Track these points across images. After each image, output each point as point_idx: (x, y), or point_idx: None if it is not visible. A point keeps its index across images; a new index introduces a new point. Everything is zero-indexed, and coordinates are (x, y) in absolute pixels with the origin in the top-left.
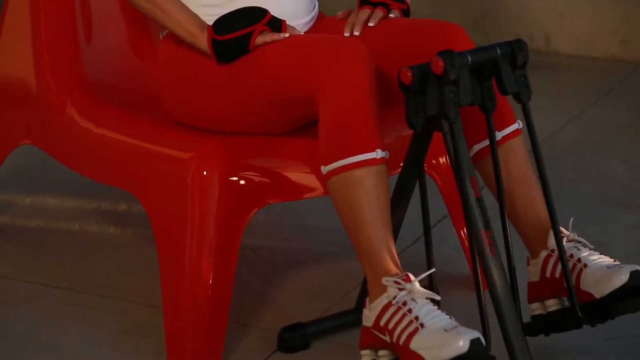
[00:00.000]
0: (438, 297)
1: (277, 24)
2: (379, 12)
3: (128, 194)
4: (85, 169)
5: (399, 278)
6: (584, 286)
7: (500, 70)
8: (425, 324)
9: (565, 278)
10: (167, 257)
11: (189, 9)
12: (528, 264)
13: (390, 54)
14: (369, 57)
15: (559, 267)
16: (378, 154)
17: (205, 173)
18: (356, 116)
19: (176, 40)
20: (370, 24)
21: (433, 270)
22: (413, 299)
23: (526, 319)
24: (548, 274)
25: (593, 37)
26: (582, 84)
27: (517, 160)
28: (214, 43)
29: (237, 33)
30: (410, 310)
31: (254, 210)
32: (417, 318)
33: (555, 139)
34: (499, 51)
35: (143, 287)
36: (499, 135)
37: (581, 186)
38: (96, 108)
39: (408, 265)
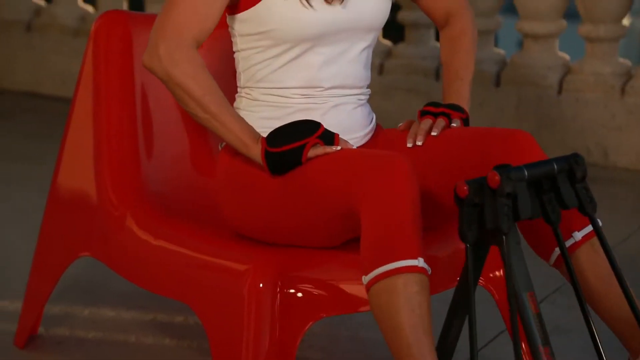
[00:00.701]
0: None
1: (329, 137)
2: (441, 122)
3: (184, 306)
4: (142, 280)
5: None
6: None
7: (559, 185)
8: None
9: None
10: None
11: (245, 121)
12: None
13: (455, 162)
14: (411, 170)
15: None
16: (420, 262)
17: (261, 285)
18: (397, 225)
19: (234, 152)
20: (433, 133)
21: None
22: None
23: None
24: None
25: None
26: None
27: (602, 257)
28: (267, 155)
29: (290, 145)
30: None
31: (310, 323)
32: None
33: (615, 253)
34: (556, 166)
35: None
36: (579, 235)
37: None
38: (155, 220)
39: None
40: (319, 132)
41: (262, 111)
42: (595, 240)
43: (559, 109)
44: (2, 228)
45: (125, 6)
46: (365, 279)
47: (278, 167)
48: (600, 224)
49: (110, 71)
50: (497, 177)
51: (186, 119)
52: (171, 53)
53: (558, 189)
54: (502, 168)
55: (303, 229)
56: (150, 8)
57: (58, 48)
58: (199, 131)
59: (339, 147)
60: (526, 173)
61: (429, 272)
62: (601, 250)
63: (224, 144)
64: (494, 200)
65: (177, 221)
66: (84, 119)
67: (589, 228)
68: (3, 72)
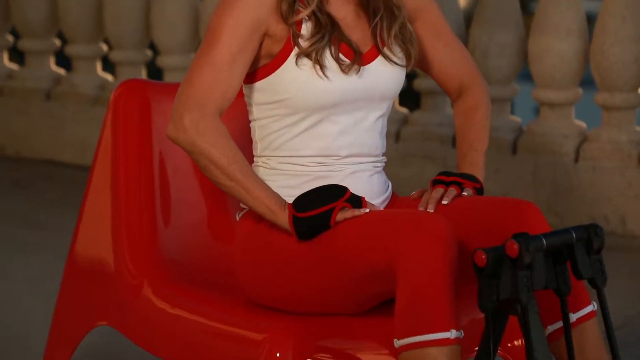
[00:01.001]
0: None
1: (357, 201)
2: (453, 191)
3: None
4: (159, 349)
5: None
6: None
7: (576, 255)
8: None
9: None
10: None
11: (270, 188)
12: None
13: (464, 232)
14: (451, 233)
15: None
16: (452, 334)
17: (278, 355)
18: (433, 293)
19: (254, 219)
20: (444, 202)
21: None
22: None
23: None
24: None
25: None
26: None
27: (591, 343)
28: (295, 220)
29: (318, 210)
30: None
31: None
32: None
33: (634, 323)
34: (574, 235)
35: None
36: (573, 317)
37: None
38: (172, 289)
39: None
40: (347, 195)
41: (280, 180)
42: (588, 323)
43: (576, 176)
44: (19, 295)
45: (144, 75)
46: (398, 342)
47: (306, 232)
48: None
49: (129, 139)
50: (516, 246)
51: (203, 187)
52: (196, 123)
53: (574, 258)
54: (520, 237)
55: (329, 295)
56: (169, 77)
57: (77, 116)
58: (216, 199)
59: (367, 210)
60: (545, 242)
61: (462, 337)
62: (593, 335)
63: (242, 212)
64: (512, 271)
65: (194, 289)
66: (103, 187)
67: (585, 311)
68: (23, 140)
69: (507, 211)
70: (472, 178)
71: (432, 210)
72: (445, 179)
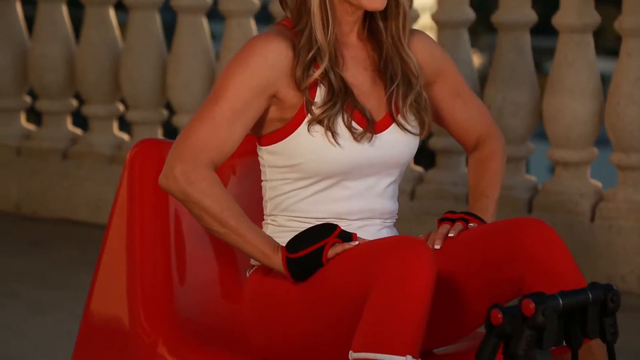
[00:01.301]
0: None
1: (347, 236)
2: (459, 225)
3: None
4: None
5: None
6: None
7: (587, 314)
8: None
9: None
10: None
11: (264, 232)
12: None
13: (475, 259)
14: (431, 257)
15: None
16: (407, 359)
17: None
18: (400, 313)
19: (262, 274)
20: (450, 235)
21: None
22: None
23: None
24: None
25: None
26: None
27: None
28: (288, 262)
29: (309, 249)
30: None
31: None
32: None
33: None
34: (590, 296)
35: None
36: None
37: None
38: (187, 347)
39: None
40: (337, 232)
41: (288, 237)
42: (593, 343)
43: (592, 236)
44: (35, 353)
45: (160, 134)
46: (352, 355)
47: (300, 272)
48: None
49: (145, 198)
50: (532, 306)
51: (215, 244)
52: (187, 173)
53: (585, 318)
54: (537, 296)
55: (330, 335)
56: None
57: (93, 175)
58: (227, 257)
59: (357, 242)
60: (561, 303)
61: None
62: (600, 357)
63: (252, 270)
64: (522, 328)
65: (208, 349)
66: (118, 245)
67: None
68: (39, 199)
69: (516, 233)
70: (478, 217)
71: (438, 247)
72: (452, 217)
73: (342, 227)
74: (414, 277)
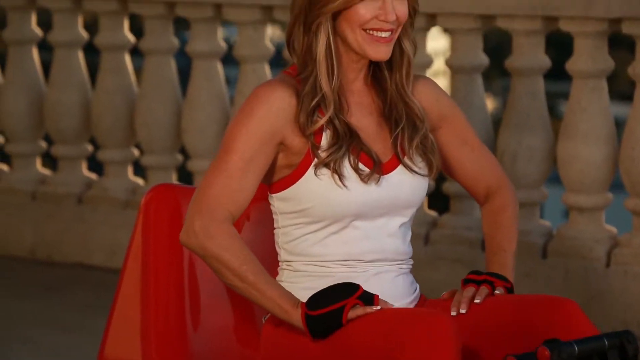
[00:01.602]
0: None
1: (369, 298)
2: (484, 289)
3: None
4: None
5: None
6: None
7: None
8: None
9: None
10: None
11: (283, 288)
12: None
13: (500, 330)
14: (454, 329)
15: None
16: None
17: None
18: None
19: (277, 323)
20: (476, 301)
21: None
22: None
23: None
24: None
25: None
26: None
27: None
28: (307, 319)
29: (329, 308)
30: None
31: None
32: None
33: None
34: (607, 342)
35: None
36: None
37: None
38: None
39: None
40: (358, 293)
41: (304, 282)
42: None
43: (607, 282)
44: None
45: (174, 178)
46: None
47: (319, 330)
48: None
49: (159, 243)
50: (547, 353)
51: (230, 290)
52: (206, 228)
53: None
54: (552, 343)
55: None
56: (199, 181)
57: (108, 220)
58: (243, 304)
59: (378, 307)
60: (577, 349)
61: None
62: None
63: (267, 316)
64: None
65: None
66: (133, 290)
67: None
68: (54, 244)
69: (543, 309)
70: (502, 278)
71: (464, 311)
72: (477, 278)
73: (356, 267)
74: (440, 350)
